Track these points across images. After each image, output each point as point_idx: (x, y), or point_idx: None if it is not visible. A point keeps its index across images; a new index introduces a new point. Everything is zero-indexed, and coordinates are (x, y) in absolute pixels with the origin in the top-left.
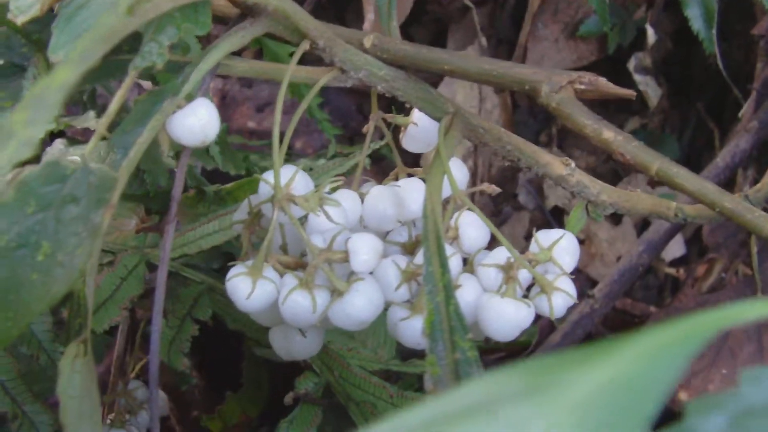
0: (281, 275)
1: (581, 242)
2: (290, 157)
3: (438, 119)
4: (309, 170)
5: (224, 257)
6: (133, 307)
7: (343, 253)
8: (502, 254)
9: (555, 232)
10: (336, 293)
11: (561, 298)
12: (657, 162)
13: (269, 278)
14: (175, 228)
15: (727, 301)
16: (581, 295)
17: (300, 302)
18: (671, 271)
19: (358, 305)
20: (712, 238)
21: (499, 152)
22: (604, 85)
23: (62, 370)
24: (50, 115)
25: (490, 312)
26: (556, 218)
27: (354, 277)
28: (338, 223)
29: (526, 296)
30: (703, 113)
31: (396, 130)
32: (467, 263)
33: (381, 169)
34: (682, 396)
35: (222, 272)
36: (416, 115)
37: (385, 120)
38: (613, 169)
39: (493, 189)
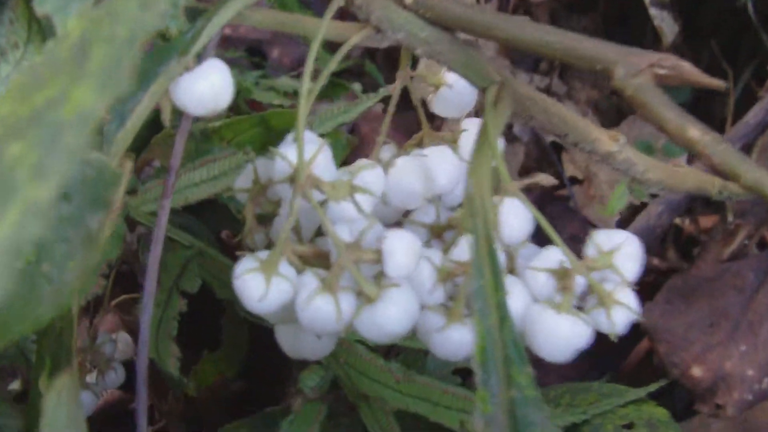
0: (298, 271)
1: (579, 183)
2: (265, 69)
3: (483, 88)
4: (294, 93)
5: None
6: None
7: (375, 252)
8: (553, 255)
9: (617, 234)
10: (364, 298)
11: (622, 313)
12: (749, 171)
13: (285, 276)
14: (156, 175)
15: (748, 272)
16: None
17: (323, 309)
18: (677, 221)
19: (392, 316)
20: (739, 203)
21: (546, 126)
22: (689, 71)
23: (47, 406)
24: (68, 166)
25: (543, 329)
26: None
27: (385, 281)
28: (370, 216)
29: (579, 308)
30: (717, 53)
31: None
32: (508, 258)
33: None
34: (696, 372)
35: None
36: (452, 76)
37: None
38: (616, 106)
39: (549, 180)
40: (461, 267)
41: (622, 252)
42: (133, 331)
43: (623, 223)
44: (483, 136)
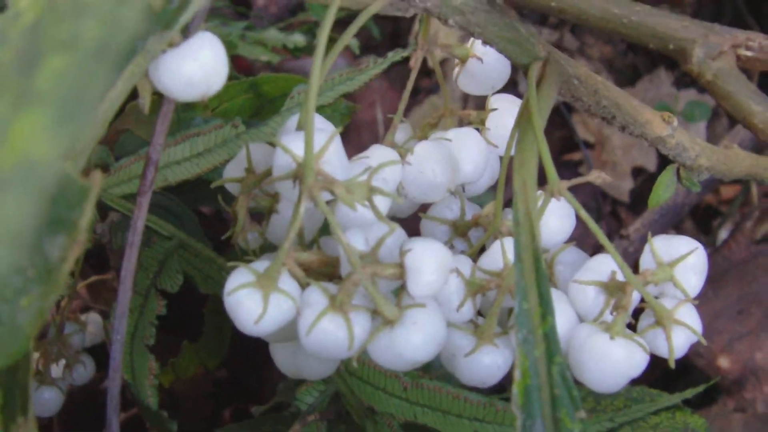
0: (301, 284)
1: (591, 147)
2: (249, 19)
3: (524, 66)
4: (284, 47)
5: None
6: None
7: (396, 267)
8: (603, 265)
9: (680, 241)
10: (381, 319)
11: (684, 335)
12: None
13: (286, 292)
14: (131, 148)
15: None
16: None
17: (331, 332)
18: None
19: (415, 342)
20: None
21: (593, 108)
22: None
23: None
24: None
25: (593, 356)
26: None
27: (407, 300)
28: (389, 222)
29: (630, 326)
30: (741, 5)
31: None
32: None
33: (392, 77)
34: (723, 363)
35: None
36: (480, 48)
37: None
38: (632, 64)
39: (605, 178)
40: (495, 280)
41: (686, 263)
42: (104, 312)
43: (639, 194)
44: (526, 125)
